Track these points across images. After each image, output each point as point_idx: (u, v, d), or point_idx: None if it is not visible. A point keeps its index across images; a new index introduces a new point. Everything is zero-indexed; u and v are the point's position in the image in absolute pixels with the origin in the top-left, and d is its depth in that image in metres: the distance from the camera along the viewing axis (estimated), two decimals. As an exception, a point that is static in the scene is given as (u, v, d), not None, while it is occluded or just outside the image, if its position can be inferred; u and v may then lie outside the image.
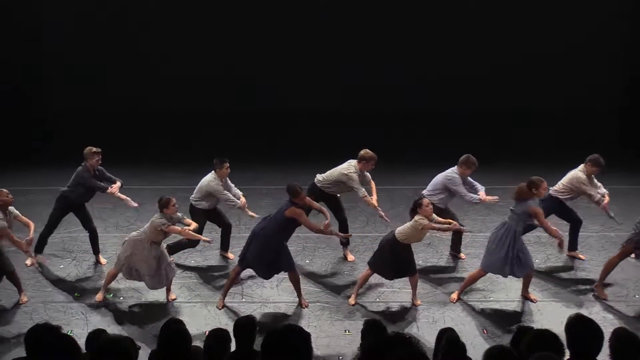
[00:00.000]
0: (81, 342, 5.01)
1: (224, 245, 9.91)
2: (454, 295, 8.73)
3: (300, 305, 8.59)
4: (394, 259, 8.38)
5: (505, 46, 16.54)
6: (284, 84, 16.56)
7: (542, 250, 10.02)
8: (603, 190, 9.49)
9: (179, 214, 8.63)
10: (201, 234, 9.23)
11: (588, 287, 9.01)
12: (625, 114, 16.73)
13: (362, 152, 9.57)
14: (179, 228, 8.51)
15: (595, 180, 9.54)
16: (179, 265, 9.61)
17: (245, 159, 13.35)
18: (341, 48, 16.57)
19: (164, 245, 8.68)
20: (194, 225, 8.73)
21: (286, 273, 8.58)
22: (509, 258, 8.33)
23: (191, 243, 9.43)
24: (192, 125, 15.95)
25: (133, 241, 8.44)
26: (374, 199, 9.52)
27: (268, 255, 8.35)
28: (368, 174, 9.72)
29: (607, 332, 4.48)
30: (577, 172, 9.43)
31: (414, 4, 16.63)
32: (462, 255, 9.82)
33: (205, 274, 9.43)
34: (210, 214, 9.71)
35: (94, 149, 9.42)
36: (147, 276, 8.39)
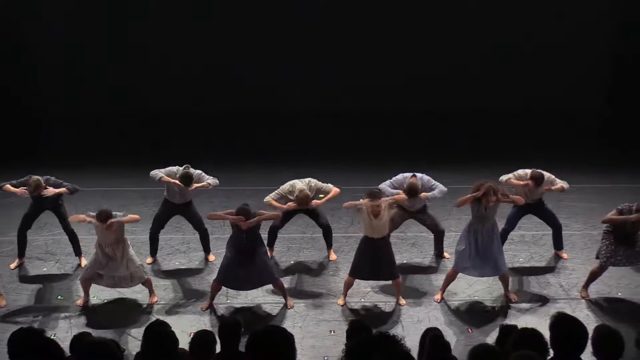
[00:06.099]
0: (65, 345, 4.98)
1: (206, 249, 9.92)
2: (438, 296, 8.76)
3: (286, 306, 8.60)
4: (365, 257, 8.41)
5: (496, 44, 16.56)
6: (268, 84, 16.53)
7: (525, 249, 10.07)
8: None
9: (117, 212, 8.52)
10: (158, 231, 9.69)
11: (571, 285, 9.07)
12: (608, 111, 16.77)
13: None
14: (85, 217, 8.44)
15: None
16: (162, 268, 9.59)
17: (230, 159, 13.41)
18: (331, 48, 16.56)
19: (130, 252, 8.58)
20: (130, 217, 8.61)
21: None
22: (471, 256, 8.44)
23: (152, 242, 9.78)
24: (177, 125, 15.87)
25: None
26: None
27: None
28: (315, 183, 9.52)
29: (591, 330, 4.52)
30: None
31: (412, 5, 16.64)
32: (446, 254, 9.85)
33: (189, 276, 9.40)
34: (182, 213, 9.76)
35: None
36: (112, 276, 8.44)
